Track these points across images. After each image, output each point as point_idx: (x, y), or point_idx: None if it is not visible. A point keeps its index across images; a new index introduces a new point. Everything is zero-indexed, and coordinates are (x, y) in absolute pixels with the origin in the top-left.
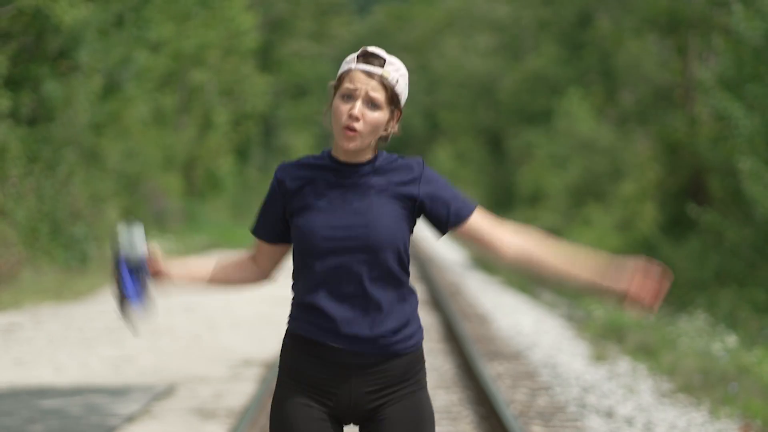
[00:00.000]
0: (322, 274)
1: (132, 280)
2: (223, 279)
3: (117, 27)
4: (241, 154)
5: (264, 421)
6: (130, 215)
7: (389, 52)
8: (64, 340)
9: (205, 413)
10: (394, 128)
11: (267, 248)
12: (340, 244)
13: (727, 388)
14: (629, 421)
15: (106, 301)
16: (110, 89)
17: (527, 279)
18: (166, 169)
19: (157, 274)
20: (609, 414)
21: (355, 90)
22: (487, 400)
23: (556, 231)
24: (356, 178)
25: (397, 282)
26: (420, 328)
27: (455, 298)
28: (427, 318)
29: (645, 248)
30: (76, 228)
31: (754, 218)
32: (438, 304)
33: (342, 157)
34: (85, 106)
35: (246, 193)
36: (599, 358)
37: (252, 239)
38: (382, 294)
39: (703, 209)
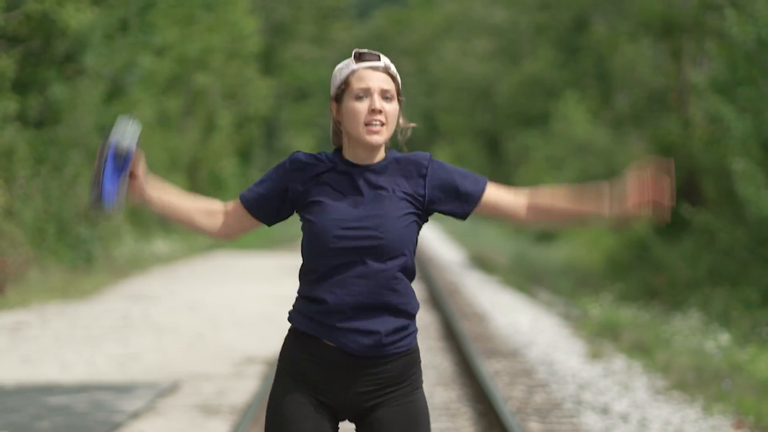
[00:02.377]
0: (330, 270)
1: (113, 168)
2: (187, 218)
3: (122, 31)
4: (244, 155)
5: None
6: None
7: (389, 56)
8: (71, 338)
9: (209, 410)
10: (403, 118)
11: (244, 216)
12: (350, 243)
13: (720, 385)
14: (624, 418)
15: (111, 300)
16: (115, 92)
17: (524, 278)
18: (170, 171)
19: (133, 178)
20: (604, 410)
21: (369, 88)
22: (485, 396)
23: (552, 231)
24: (368, 179)
25: (402, 284)
26: (415, 330)
27: (454, 297)
28: (426, 316)
29: (639, 248)
30: (82, 228)
31: (747, 219)
32: (437, 303)
33: (354, 159)
34: (91, 108)
35: None
36: (595, 355)
37: (235, 200)
38: (385, 294)
39: (697, 210)
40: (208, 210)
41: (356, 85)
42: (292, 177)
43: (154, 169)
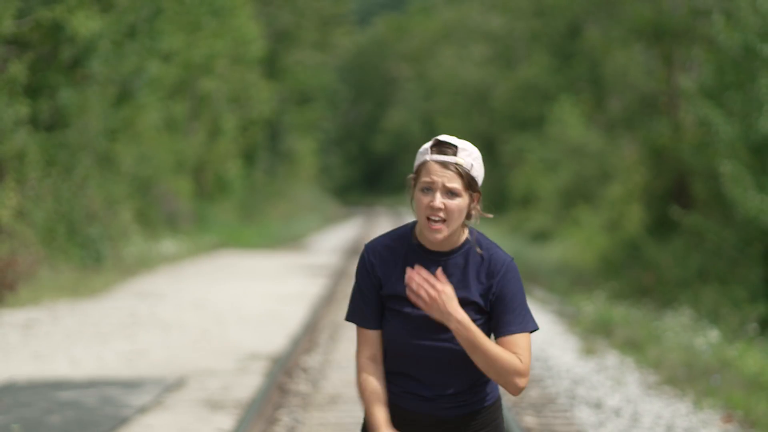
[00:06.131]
0: (409, 361)
1: None
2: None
3: (130, 38)
4: (249, 158)
5: (269, 412)
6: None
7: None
8: (80, 335)
9: (214, 404)
10: (476, 209)
11: (378, 337)
12: (425, 351)
13: (709, 381)
14: (617, 412)
15: (120, 298)
16: (123, 97)
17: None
18: (177, 173)
19: None
20: (598, 405)
21: (432, 183)
22: None
23: (547, 231)
24: (443, 268)
25: (478, 377)
26: (496, 387)
27: None
28: None
29: (631, 248)
30: (92, 228)
31: (735, 219)
32: None
33: (426, 244)
34: (100, 113)
35: (253, 196)
36: (588, 352)
37: (360, 332)
38: (463, 373)
39: (687, 211)
40: (380, 379)
41: (423, 177)
42: (375, 275)
43: (160, 170)
